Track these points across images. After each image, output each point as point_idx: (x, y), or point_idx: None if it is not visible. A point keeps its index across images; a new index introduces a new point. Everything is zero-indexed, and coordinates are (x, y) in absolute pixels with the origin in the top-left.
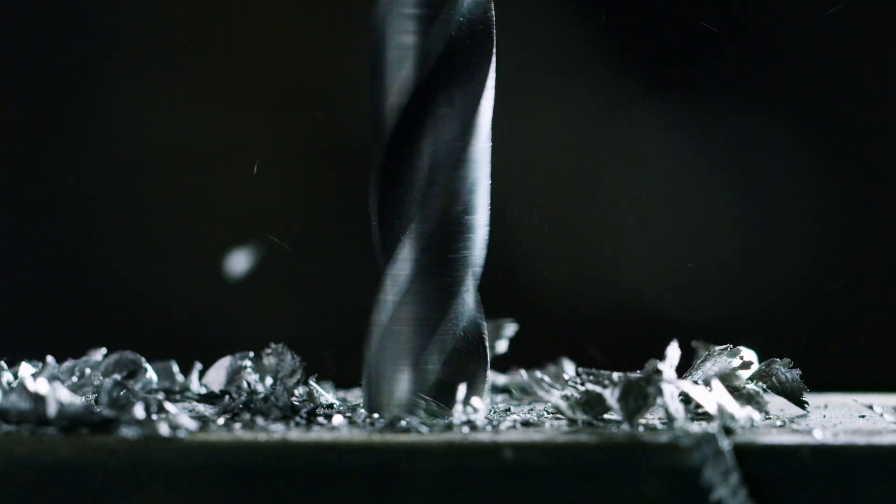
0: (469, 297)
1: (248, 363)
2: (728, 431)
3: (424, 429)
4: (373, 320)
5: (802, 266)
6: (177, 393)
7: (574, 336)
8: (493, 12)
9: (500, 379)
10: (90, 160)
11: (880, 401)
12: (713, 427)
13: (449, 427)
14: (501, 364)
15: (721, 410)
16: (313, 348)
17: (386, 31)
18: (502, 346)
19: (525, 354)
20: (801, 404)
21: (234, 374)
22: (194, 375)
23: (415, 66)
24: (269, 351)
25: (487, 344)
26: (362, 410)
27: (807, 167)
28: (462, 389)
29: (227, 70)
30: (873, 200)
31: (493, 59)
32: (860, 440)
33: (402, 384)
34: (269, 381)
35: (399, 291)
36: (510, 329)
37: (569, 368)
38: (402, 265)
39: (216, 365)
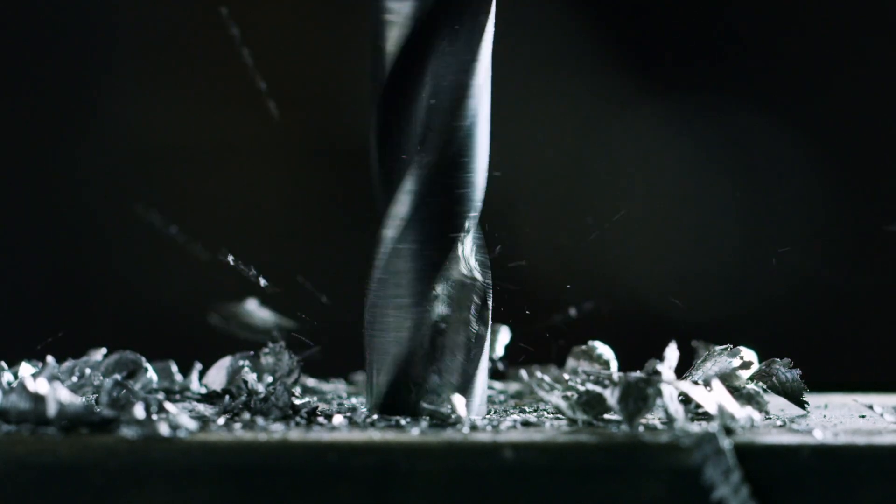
0: (468, 241)
1: (247, 363)
2: (728, 431)
3: (424, 425)
4: (374, 265)
5: (802, 266)
6: (177, 393)
7: (574, 336)
8: None
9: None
10: (90, 160)
11: (880, 401)
12: (713, 426)
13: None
14: (501, 364)
15: (721, 410)
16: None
17: None
18: (499, 350)
19: (524, 354)
20: (801, 404)
21: (235, 374)
22: (194, 375)
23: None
24: (266, 350)
25: (490, 291)
26: (363, 410)
27: (807, 167)
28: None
29: (227, 70)
30: (873, 200)
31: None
32: (860, 440)
33: (404, 327)
34: (268, 380)
35: (399, 228)
36: (504, 335)
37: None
38: (403, 201)
39: (216, 365)
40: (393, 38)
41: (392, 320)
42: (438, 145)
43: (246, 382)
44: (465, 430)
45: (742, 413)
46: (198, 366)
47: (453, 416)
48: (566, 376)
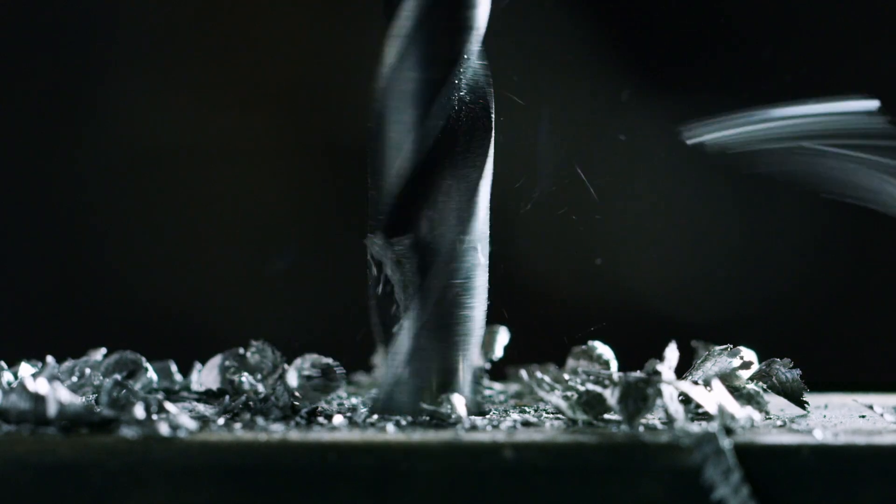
0: (474, 59)
1: (234, 361)
2: (728, 431)
3: (424, 425)
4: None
5: (802, 266)
6: (177, 393)
7: (574, 336)
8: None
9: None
10: (90, 160)
11: (880, 401)
12: (713, 426)
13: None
14: (500, 364)
15: (721, 410)
16: (312, 348)
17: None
18: (498, 351)
19: (525, 355)
20: (801, 404)
21: (226, 373)
22: (194, 375)
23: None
24: (253, 349)
25: (493, 114)
26: (363, 411)
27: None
28: None
29: (227, 70)
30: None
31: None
32: (860, 440)
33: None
34: (268, 381)
35: (401, 50)
36: (503, 336)
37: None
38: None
39: (208, 364)
40: None
41: (394, 135)
42: None
43: (231, 382)
44: (465, 429)
45: (742, 413)
46: (198, 366)
47: (453, 416)
48: (566, 376)
